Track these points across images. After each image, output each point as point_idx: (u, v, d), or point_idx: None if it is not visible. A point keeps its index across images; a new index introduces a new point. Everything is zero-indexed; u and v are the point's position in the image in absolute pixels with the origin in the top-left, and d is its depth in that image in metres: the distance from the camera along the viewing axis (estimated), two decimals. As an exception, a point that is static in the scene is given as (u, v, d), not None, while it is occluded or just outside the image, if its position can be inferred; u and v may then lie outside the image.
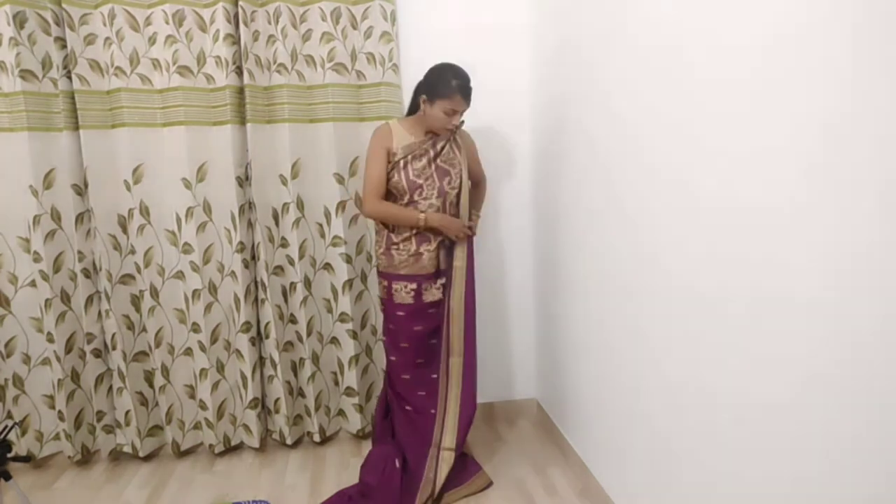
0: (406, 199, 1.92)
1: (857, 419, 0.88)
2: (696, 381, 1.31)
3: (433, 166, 1.92)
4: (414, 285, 1.95)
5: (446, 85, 1.81)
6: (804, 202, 0.95)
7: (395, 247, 1.95)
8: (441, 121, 1.85)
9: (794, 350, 0.99)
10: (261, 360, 2.32)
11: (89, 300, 2.18)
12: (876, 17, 0.81)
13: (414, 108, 1.97)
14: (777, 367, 1.04)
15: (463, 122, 1.93)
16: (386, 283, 1.99)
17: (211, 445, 2.33)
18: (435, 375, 2.00)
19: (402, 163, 1.90)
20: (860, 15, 0.83)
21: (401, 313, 1.98)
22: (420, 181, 1.90)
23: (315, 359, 2.34)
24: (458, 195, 1.97)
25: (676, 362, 1.38)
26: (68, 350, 2.19)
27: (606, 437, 1.85)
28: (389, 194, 1.94)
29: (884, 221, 0.81)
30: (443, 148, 1.94)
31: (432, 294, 1.98)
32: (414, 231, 1.93)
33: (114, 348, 2.21)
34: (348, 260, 2.28)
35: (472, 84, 1.85)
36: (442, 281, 1.98)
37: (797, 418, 1.00)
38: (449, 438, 1.96)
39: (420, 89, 1.90)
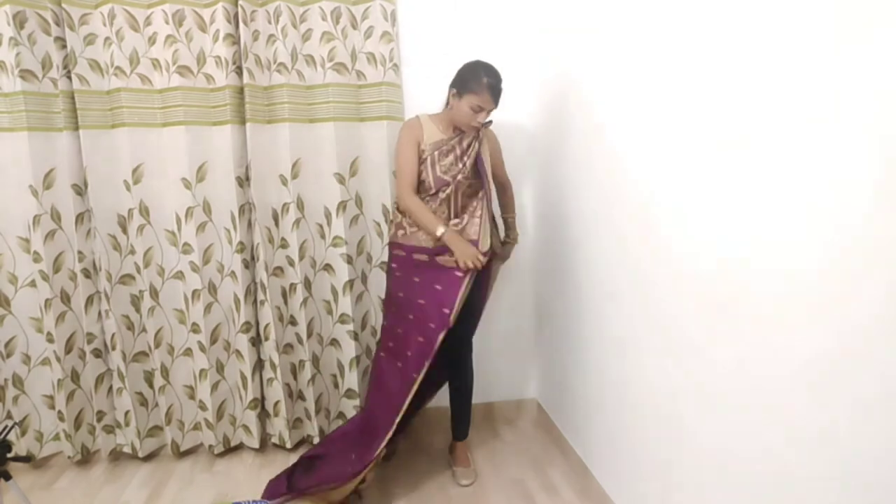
0: (431, 193, 1.91)
1: (860, 419, 0.88)
2: (696, 381, 1.31)
3: (460, 164, 1.91)
4: (404, 253, 1.96)
5: (477, 80, 1.80)
6: (809, 201, 0.95)
7: (398, 225, 2.00)
8: (467, 116, 1.84)
9: (797, 350, 0.99)
10: (260, 363, 2.32)
11: (89, 300, 2.18)
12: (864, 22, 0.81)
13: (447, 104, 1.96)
14: (779, 368, 1.04)
15: (490, 121, 1.93)
16: (389, 254, 2.05)
17: (211, 446, 2.33)
18: (415, 374, 1.88)
19: (429, 159, 1.90)
20: (850, 19, 0.83)
21: (394, 265, 2.00)
22: (447, 178, 1.89)
23: (315, 361, 2.33)
24: (470, 187, 1.94)
25: (677, 362, 1.38)
26: (68, 350, 2.19)
27: (606, 437, 1.85)
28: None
29: (882, 216, 0.81)
30: (469, 145, 1.93)
31: (421, 258, 1.92)
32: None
33: (114, 348, 2.20)
34: (349, 261, 2.28)
35: (503, 86, 1.84)
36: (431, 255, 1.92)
37: (800, 418, 1.00)
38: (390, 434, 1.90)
39: (452, 83, 1.88)
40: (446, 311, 1.83)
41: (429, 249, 1.90)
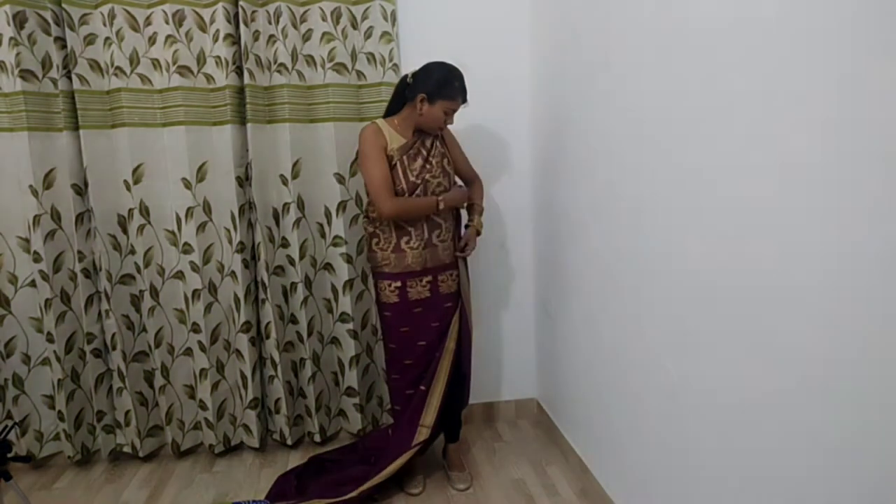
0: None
1: (856, 418, 0.88)
2: (695, 381, 1.31)
3: (429, 165, 1.91)
4: (398, 283, 1.91)
5: (450, 87, 1.82)
6: (806, 200, 0.95)
7: (376, 243, 1.92)
8: (440, 120, 1.86)
9: (795, 349, 1.00)
10: (261, 361, 2.32)
11: (89, 300, 2.18)
12: (880, 20, 0.81)
13: (398, 108, 1.92)
14: (777, 366, 1.04)
15: None
16: (374, 281, 2.00)
17: (211, 445, 2.33)
18: (423, 387, 1.97)
19: (398, 165, 1.87)
20: (866, 19, 0.83)
21: (387, 313, 1.96)
22: (419, 181, 1.88)
23: (315, 359, 2.34)
24: (439, 185, 1.93)
25: (676, 362, 1.39)
26: (68, 350, 2.19)
27: (606, 437, 1.85)
28: None
29: (884, 219, 0.81)
30: (432, 144, 1.93)
31: (417, 292, 1.93)
32: (393, 226, 1.89)
33: (114, 348, 2.20)
34: (349, 260, 2.28)
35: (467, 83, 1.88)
36: (429, 279, 1.94)
37: (797, 417, 1.00)
38: (429, 416, 1.95)
39: (416, 88, 1.84)
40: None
41: (418, 272, 1.91)
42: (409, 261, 1.90)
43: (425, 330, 1.96)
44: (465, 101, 1.88)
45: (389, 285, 1.92)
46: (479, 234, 2.04)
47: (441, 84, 1.82)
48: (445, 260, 1.96)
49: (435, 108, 1.83)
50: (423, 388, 1.96)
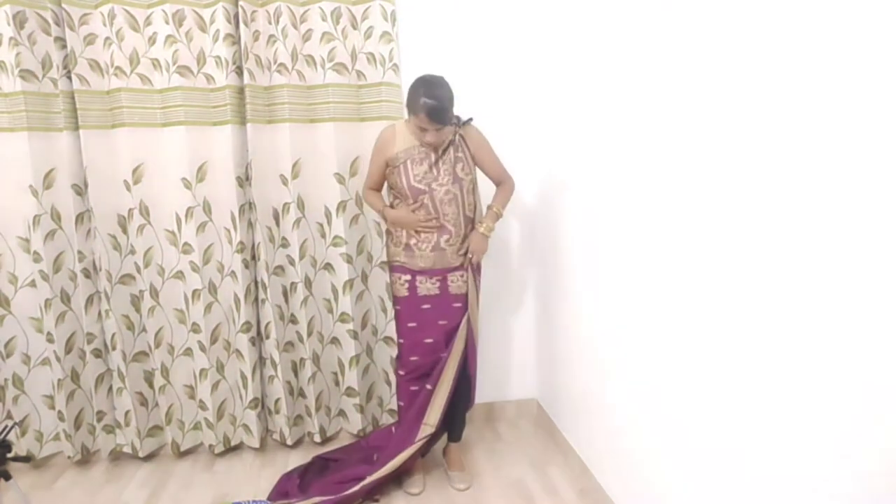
0: (410, 202, 1.91)
1: (856, 418, 0.88)
2: (696, 381, 1.31)
3: (436, 170, 1.88)
4: (408, 276, 1.97)
5: (416, 101, 1.75)
6: (802, 203, 0.95)
7: (390, 238, 2.01)
8: (417, 134, 1.83)
9: (793, 349, 1.00)
10: (261, 361, 2.32)
11: (89, 300, 2.18)
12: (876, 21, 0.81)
13: None
14: (776, 367, 1.04)
15: (470, 119, 1.93)
16: (388, 273, 2.06)
17: (211, 445, 2.33)
18: (430, 386, 1.97)
19: (402, 167, 1.88)
20: (863, 22, 0.83)
21: (398, 307, 2.03)
22: (422, 186, 1.87)
23: (315, 359, 2.34)
24: (447, 193, 1.89)
25: (676, 362, 1.39)
26: (68, 350, 2.19)
27: (606, 437, 1.85)
28: (398, 195, 1.96)
29: (882, 222, 0.81)
30: (444, 151, 1.90)
31: (426, 288, 1.96)
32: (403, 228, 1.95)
33: (114, 348, 2.20)
34: (349, 260, 2.28)
35: (450, 103, 1.75)
36: (438, 277, 1.95)
37: (796, 417, 1.00)
38: (433, 415, 1.96)
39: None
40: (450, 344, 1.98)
41: (427, 270, 1.94)
42: (417, 260, 1.95)
43: (432, 327, 1.98)
44: (432, 121, 1.72)
45: (400, 278, 1.99)
46: (486, 237, 1.97)
47: (410, 96, 1.79)
48: (454, 263, 1.96)
49: (411, 121, 1.82)
50: (429, 387, 1.97)
